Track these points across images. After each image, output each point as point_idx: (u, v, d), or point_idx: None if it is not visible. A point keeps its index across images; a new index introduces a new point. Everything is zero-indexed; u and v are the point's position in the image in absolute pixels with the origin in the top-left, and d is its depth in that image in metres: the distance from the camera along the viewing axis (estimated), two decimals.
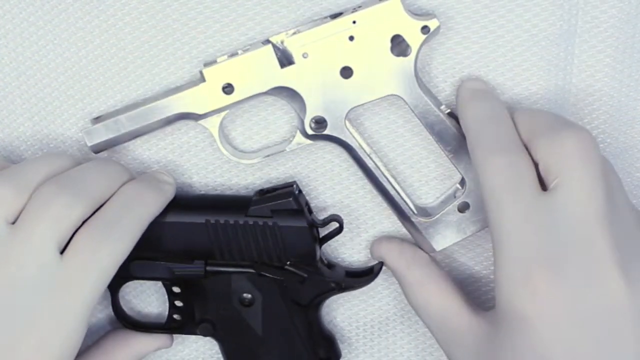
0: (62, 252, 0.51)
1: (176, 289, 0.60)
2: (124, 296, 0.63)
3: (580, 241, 0.48)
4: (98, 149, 0.57)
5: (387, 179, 0.58)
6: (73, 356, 0.51)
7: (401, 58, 0.56)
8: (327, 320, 0.63)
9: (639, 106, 0.59)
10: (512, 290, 0.49)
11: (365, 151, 0.57)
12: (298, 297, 0.58)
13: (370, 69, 0.56)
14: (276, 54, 0.56)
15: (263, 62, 0.56)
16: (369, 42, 0.55)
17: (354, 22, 0.55)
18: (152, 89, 0.59)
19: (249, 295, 0.58)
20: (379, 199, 0.59)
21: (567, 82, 0.58)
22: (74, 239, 0.51)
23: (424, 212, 0.59)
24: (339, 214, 0.60)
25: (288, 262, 0.57)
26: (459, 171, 0.57)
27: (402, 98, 0.56)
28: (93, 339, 0.61)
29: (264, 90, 0.56)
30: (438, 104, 0.57)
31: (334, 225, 0.59)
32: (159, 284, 0.61)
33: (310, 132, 0.57)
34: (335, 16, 0.56)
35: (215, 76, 0.56)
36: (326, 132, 0.57)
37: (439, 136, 0.57)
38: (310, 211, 0.59)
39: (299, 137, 0.58)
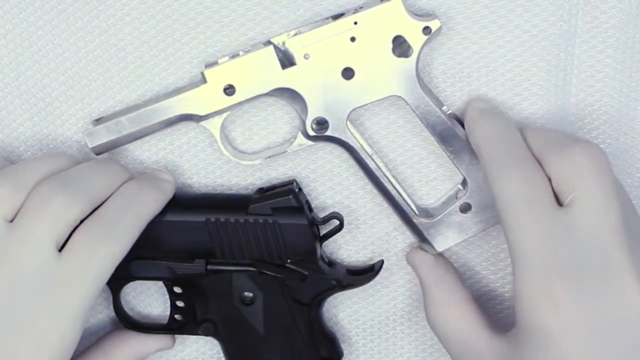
0: (60, 250, 0.51)
1: (177, 289, 0.60)
2: (125, 297, 0.63)
3: (599, 254, 0.49)
4: (99, 151, 0.57)
5: (388, 179, 0.58)
6: (71, 354, 0.51)
7: (402, 59, 0.56)
8: (328, 319, 0.63)
9: (639, 107, 0.59)
10: (534, 304, 0.49)
11: (366, 152, 0.57)
12: (299, 295, 0.58)
13: (371, 69, 0.56)
14: (277, 55, 0.56)
15: (264, 63, 0.56)
16: (371, 43, 0.55)
17: (356, 23, 0.55)
18: (153, 89, 0.59)
19: (250, 294, 0.58)
20: (379, 199, 0.59)
21: (568, 83, 0.58)
22: (72, 237, 0.51)
23: (425, 213, 0.59)
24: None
25: (289, 260, 0.58)
26: (460, 172, 0.57)
27: (403, 99, 0.56)
28: (94, 340, 0.61)
29: (266, 91, 0.56)
30: (439, 104, 0.57)
31: (335, 223, 0.59)
32: (160, 284, 0.61)
33: (311, 133, 0.57)
34: (336, 17, 0.56)
35: (217, 77, 0.56)
36: (327, 133, 0.57)
37: (441, 137, 0.57)
38: (310, 209, 0.59)
39: (300, 138, 0.58)
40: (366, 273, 0.60)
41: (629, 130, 0.59)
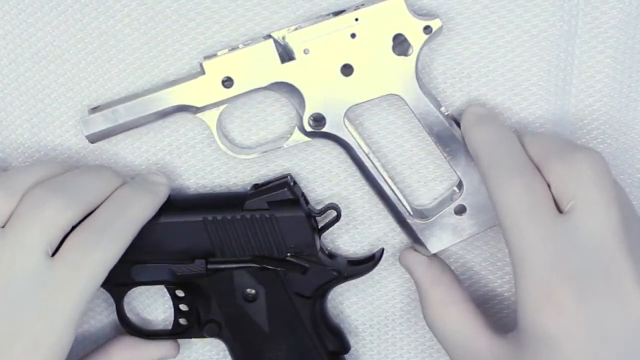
0: (53, 255, 0.51)
1: (180, 293, 0.60)
2: (130, 302, 0.62)
3: (601, 261, 0.49)
4: (94, 139, 0.57)
5: (384, 179, 0.57)
6: (64, 357, 0.51)
7: (402, 57, 0.55)
8: (335, 315, 0.63)
9: (639, 107, 0.59)
10: (537, 311, 0.49)
11: (363, 150, 0.57)
12: (301, 288, 0.58)
13: (371, 67, 0.55)
14: (277, 49, 0.55)
15: (264, 57, 0.55)
16: (371, 40, 0.55)
17: (357, 19, 0.55)
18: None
19: (253, 291, 0.58)
20: (376, 197, 0.59)
21: (568, 83, 0.58)
22: (65, 242, 0.51)
23: (420, 213, 0.59)
24: None
25: (289, 254, 0.57)
26: (456, 173, 0.57)
27: (402, 98, 0.56)
28: (99, 347, 0.61)
29: (264, 85, 0.56)
30: (438, 105, 0.57)
31: (332, 214, 0.58)
32: (163, 290, 0.61)
33: (308, 129, 0.57)
34: (337, 13, 0.56)
35: (215, 69, 0.56)
36: (325, 129, 0.57)
37: (438, 138, 0.57)
38: (307, 202, 0.59)
39: (297, 134, 0.57)
40: (367, 262, 0.59)
41: (629, 131, 0.59)
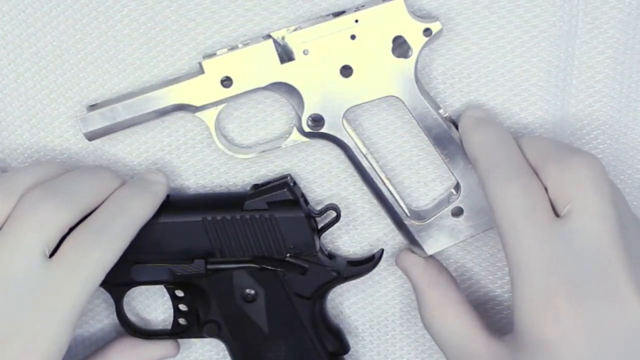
0: (51, 256, 0.51)
1: (179, 293, 0.60)
2: (128, 304, 0.62)
3: (597, 266, 0.49)
4: (92, 137, 0.57)
5: (381, 180, 0.58)
6: (60, 358, 0.51)
7: (402, 59, 0.55)
8: (335, 316, 0.63)
9: (639, 107, 0.59)
10: (534, 315, 0.50)
11: (361, 151, 0.57)
12: (301, 289, 0.58)
13: (370, 69, 0.55)
14: (277, 49, 0.55)
15: (263, 57, 0.55)
16: (371, 42, 0.55)
17: (357, 21, 0.55)
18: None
19: (252, 291, 0.58)
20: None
21: (568, 84, 0.58)
22: (63, 244, 0.52)
23: (417, 215, 0.59)
24: None
25: (288, 254, 0.57)
26: (454, 176, 0.57)
27: (400, 100, 0.56)
28: (98, 347, 0.61)
29: (263, 85, 0.56)
30: (436, 107, 0.57)
31: (332, 214, 0.59)
32: (163, 290, 0.61)
33: (307, 129, 0.57)
34: (337, 14, 0.56)
35: (214, 69, 0.56)
36: (323, 130, 0.57)
37: (436, 140, 0.57)
38: (306, 202, 0.59)
39: (296, 134, 0.57)
40: (367, 263, 0.59)
41: (629, 131, 0.59)
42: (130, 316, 0.61)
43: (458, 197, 0.57)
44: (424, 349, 0.63)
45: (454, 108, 0.59)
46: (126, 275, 0.57)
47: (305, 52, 0.55)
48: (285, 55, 0.56)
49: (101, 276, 0.52)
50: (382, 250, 0.60)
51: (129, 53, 0.58)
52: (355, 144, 0.57)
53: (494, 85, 0.58)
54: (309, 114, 0.56)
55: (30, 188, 0.53)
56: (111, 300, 0.60)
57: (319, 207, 0.60)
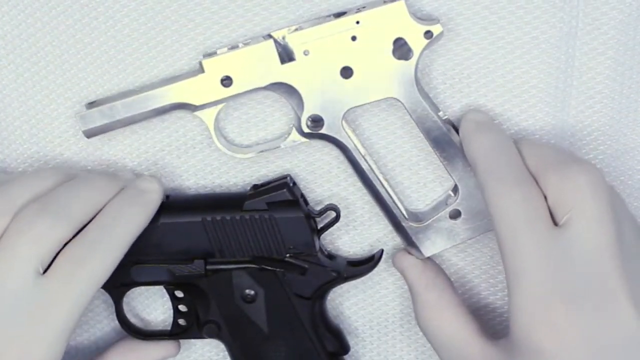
0: (46, 271, 0.52)
1: (179, 293, 0.60)
2: (129, 303, 0.62)
3: (594, 276, 0.49)
4: (91, 134, 0.57)
5: (380, 181, 0.58)
6: None
7: (402, 61, 0.55)
8: (335, 316, 0.63)
9: (639, 108, 0.59)
10: (530, 324, 0.50)
11: (360, 153, 0.57)
12: (301, 289, 0.58)
13: (370, 70, 0.55)
14: (277, 49, 0.55)
15: (263, 57, 0.55)
16: (371, 44, 0.55)
17: (358, 22, 0.55)
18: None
19: (252, 292, 0.58)
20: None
21: (568, 85, 0.58)
22: (56, 259, 0.52)
23: (415, 217, 0.59)
24: None
25: (288, 254, 0.57)
26: (452, 178, 0.57)
27: (400, 102, 0.56)
28: (99, 350, 0.62)
29: (263, 85, 0.56)
30: (436, 109, 0.57)
31: (332, 215, 0.58)
32: (163, 290, 0.61)
33: (306, 130, 0.57)
34: (338, 15, 0.56)
35: (215, 68, 0.55)
36: (322, 131, 0.57)
37: (435, 142, 0.57)
38: (306, 202, 0.59)
39: (295, 135, 0.57)
40: (366, 263, 0.59)
41: (630, 132, 0.59)
42: (130, 317, 0.61)
43: (456, 200, 0.57)
44: (424, 350, 0.63)
45: (453, 109, 0.59)
46: (126, 275, 0.57)
47: (305, 53, 0.55)
48: (286, 55, 0.56)
49: (94, 290, 0.52)
50: (382, 251, 0.60)
51: (129, 53, 0.58)
52: (354, 145, 0.57)
53: (493, 86, 0.58)
54: (309, 114, 0.56)
55: (26, 203, 0.53)
56: (111, 301, 0.60)
57: (318, 208, 0.60)
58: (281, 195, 0.57)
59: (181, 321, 0.60)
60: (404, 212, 0.58)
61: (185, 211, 0.57)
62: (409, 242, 0.58)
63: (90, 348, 0.62)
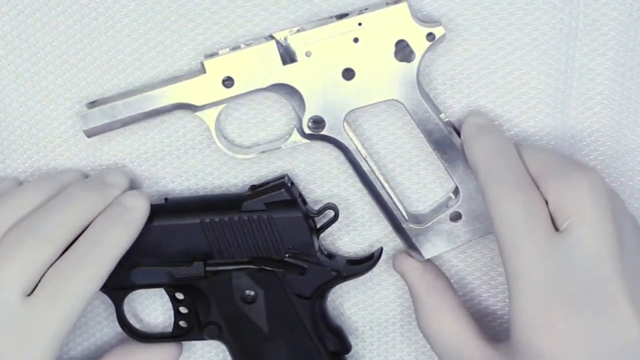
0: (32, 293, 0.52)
1: (179, 295, 0.60)
2: (129, 304, 0.62)
3: (595, 281, 0.50)
4: (92, 134, 0.56)
5: (381, 183, 0.58)
6: None
7: (404, 63, 0.55)
8: (335, 317, 0.63)
9: (639, 109, 0.59)
10: (531, 328, 0.50)
11: (361, 154, 0.57)
12: (300, 289, 0.58)
13: (372, 72, 0.55)
14: (279, 50, 0.55)
15: (265, 58, 0.55)
16: (374, 45, 0.55)
17: (360, 24, 0.55)
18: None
19: (252, 292, 0.58)
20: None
21: (568, 86, 0.58)
22: (42, 280, 0.52)
23: (415, 219, 0.59)
24: None
25: (287, 255, 0.57)
26: (453, 180, 0.57)
27: (402, 103, 0.56)
28: (99, 354, 0.62)
29: (264, 85, 0.56)
30: (437, 112, 0.57)
31: (330, 214, 0.58)
32: (163, 292, 0.61)
33: (307, 131, 0.57)
34: (340, 17, 0.56)
35: (216, 68, 0.55)
36: (323, 132, 0.57)
37: (437, 144, 0.57)
38: (304, 202, 0.59)
39: (296, 136, 0.57)
40: (366, 262, 0.59)
41: (630, 133, 0.59)
42: (130, 318, 0.61)
43: (457, 202, 0.57)
44: (425, 351, 0.63)
45: (453, 109, 0.59)
46: (125, 278, 0.57)
47: (307, 54, 0.55)
48: (288, 56, 0.56)
49: (80, 310, 0.53)
50: (382, 249, 0.60)
51: (129, 53, 0.58)
52: (355, 146, 0.57)
53: (494, 87, 0.58)
54: (310, 115, 0.56)
55: (11, 227, 0.53)
56: (111, 304, 0.59)
57: (316, 207, 0.60)
58: (279, 196, 0.57)
59: (182, 323, 0.60)
60: (405, 214, 0.58)
61: (184, 213, 0.57)
62: (409, 244, 0.58)
63: (89, 349, 0.62)
